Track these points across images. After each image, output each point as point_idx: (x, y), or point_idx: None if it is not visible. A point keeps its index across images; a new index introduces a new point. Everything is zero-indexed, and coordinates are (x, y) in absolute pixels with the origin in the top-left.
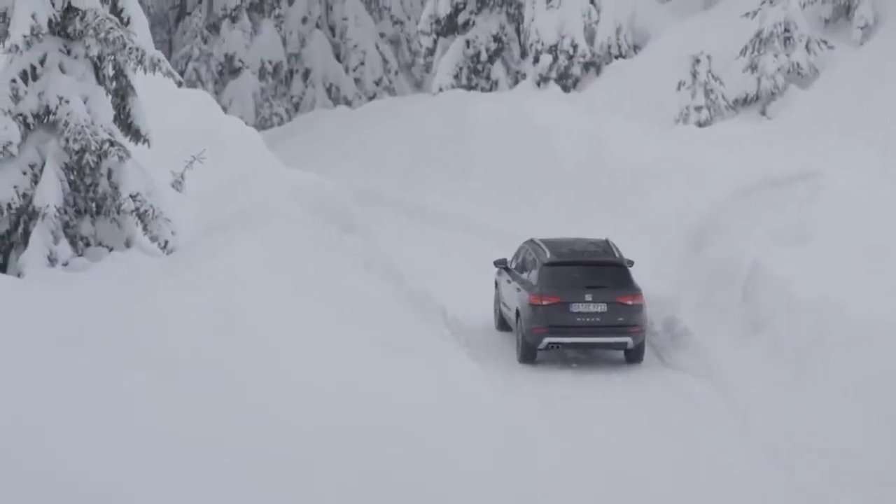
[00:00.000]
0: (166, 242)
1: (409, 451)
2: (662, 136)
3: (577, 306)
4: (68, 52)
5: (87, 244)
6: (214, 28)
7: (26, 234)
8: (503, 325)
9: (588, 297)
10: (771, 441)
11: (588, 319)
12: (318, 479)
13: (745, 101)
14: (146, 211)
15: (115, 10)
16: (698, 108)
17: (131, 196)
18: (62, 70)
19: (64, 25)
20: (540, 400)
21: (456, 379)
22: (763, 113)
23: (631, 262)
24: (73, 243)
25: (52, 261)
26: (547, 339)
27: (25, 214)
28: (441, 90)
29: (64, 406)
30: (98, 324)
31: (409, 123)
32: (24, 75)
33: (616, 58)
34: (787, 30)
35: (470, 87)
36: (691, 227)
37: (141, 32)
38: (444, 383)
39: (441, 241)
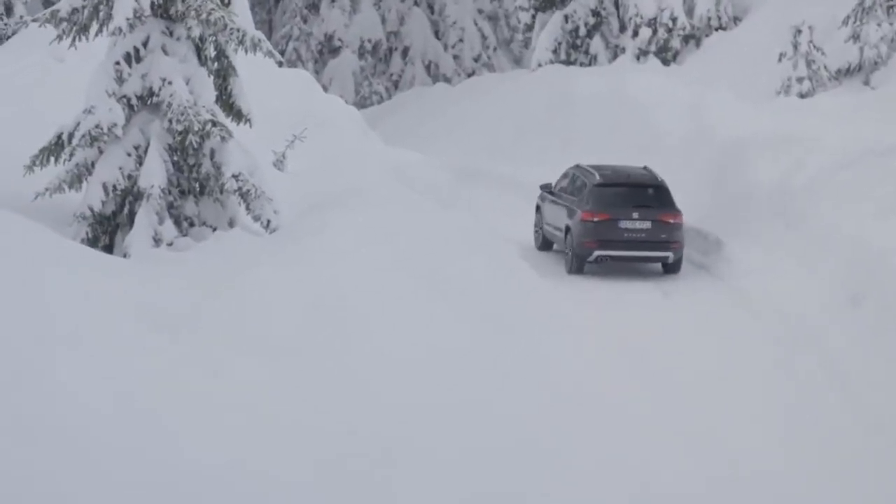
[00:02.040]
0: (269, 221)
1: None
2: (764, 108)
3: (625, 223)
4: (170, 34)
5: (192, 224)
6: (314, 8)
7: (131, 215)
8: (545, 244)
9: (635, 215)
10: (877, 416)
11: (634, 235)
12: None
13: (848, 72)
14: (249, 190)
15: None
16: (800, 80)
17: (234, 176)
18: (165, 52)
19: (166, 7)
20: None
21: (553, 357)
22: (866, 83)
23: None
24: (177, 223)
25: (157, 241)
26: (597, 252)
27: (130, 195)
28: (540, 66)
29: (171, 389)
30: (204, 306)
31: (509, 99)
32: (127, 57)
33: (716, 30)
34: None
35: (569, 63)
36: (794, 197)
37: (241, 13)
38: (541, 363)
39: None
